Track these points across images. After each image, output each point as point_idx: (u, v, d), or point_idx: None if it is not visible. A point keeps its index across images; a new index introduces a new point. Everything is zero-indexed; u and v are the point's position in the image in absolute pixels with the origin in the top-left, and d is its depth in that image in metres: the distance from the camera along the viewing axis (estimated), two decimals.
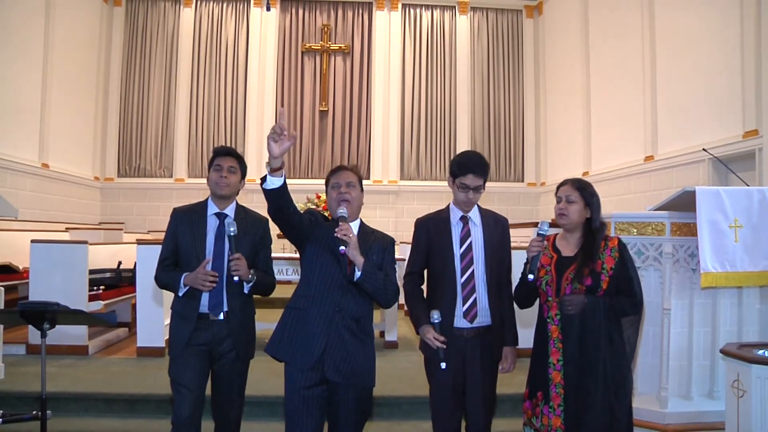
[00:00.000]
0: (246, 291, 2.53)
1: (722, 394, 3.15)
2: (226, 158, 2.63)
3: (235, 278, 2.42)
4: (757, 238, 3.20)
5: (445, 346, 2.35)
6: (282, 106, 10.95)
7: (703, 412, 3.26)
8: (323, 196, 4.71)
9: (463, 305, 2.45)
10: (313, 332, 2.26)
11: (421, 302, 2.53)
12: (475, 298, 2.45)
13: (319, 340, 2.25)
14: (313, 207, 2.32)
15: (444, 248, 2.50)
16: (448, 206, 2.60)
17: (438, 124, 11.18)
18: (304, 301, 2.33)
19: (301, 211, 2.38)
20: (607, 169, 8.64)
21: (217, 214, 2.62)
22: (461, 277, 2.47)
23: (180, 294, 2.53)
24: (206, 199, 2.68)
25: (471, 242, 2.50)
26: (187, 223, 2.61)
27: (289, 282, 4.87)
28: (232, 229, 2.43)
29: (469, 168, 2.46)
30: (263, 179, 2.14)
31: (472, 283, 2.46)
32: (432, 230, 2.56)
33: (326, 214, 2.59)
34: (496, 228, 2.56)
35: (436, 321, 2.35)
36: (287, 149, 2.12)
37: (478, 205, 2.60)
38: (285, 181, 2.17)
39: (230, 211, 2.64)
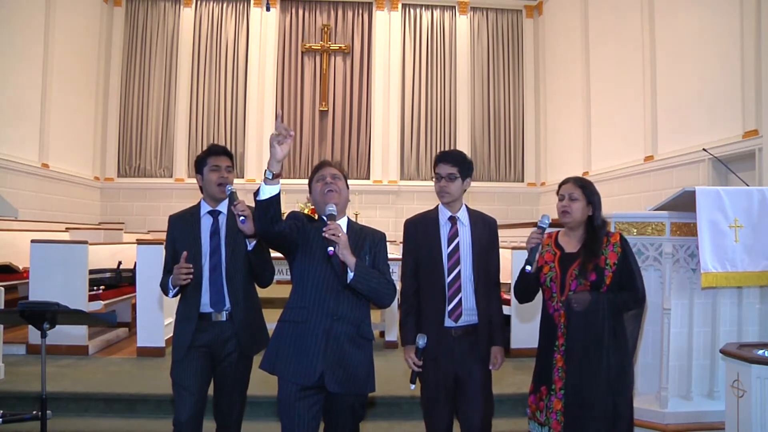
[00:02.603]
0: (250, 248, 2.46)
1: (722, 394, 3.15)
2: (222, 158, 2.61)
3: (241, 218, 2.31)
4: (757, 238, 3.20)
5: (420, 371, 2.42)
6: (282, 106, 10.95)
7: (703, 412, 3.26)
8: None
9: (449, 304, 2.46)
10: (311, 349, 2.18)
11: (413, 320, 2.52)
12: (461, 298, 2.47)
13: (318, 357, 2.17)
14: (298, 210, 2.28)
15: (432, 247, 2.52)
16: (437, 207, 2.62)
17: (438, 124, 11.18)
18: (299, 313, 2.24)
19: (291, 216, 2.34)
20: (607, 169, 8.64)
21: (211, 213, 2.62)
22: (447, 276, 2.48)
23: (170, 296, 2.53)
24: (199, 202, 2.67)
25: (458, 242, 2.51)
26: (182, 226, 2.61)
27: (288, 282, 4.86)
28: (229, 187, 2.46)
29: (439, 158, 2.56)
30: (257, 192, 2.08)
31: (458, 282, 2.47)
32: (420, 230, 2.58)
33: (308, 211, 2.56)
34: (485, 229, 2.58)
35: (421, 347, 2.39)
36: (288, 151, 2.10)
37: (466, 206, 2.62)
38: (280, 189, 2.12)
39: (223, 207, 2.62)
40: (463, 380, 2.45)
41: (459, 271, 2.48)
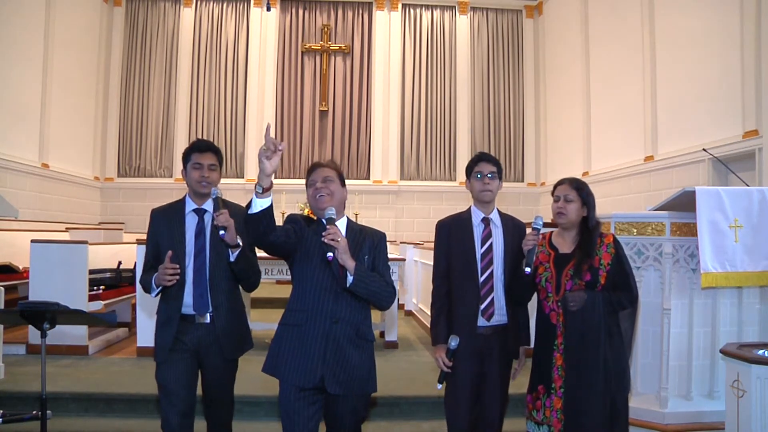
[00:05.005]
0: (232, 259, 2.38)
1: (722, 394, 3.15)
2: (206, 155, 2.53)
3: (221, 231, 2.24)
4: (757, 238, 3.20)
5: (449, 371, 2.47)
6: (282, 105, 10.97)
7: (703, 412, 3.26)
8: None
9: (481, 304, 2.51)
10: (311, 352, 2.18)
11: (445, 320, 2.56)
12: (493, 297, 2.52)
13: (319, 360, 2.17)
14: (297, 213, 2.25)
15: (465, 248, 2.57)
16: (470, 208, 2.66)
17: (438, 124, 11.18)
18: (298, 316, 2.23)
19: (288, 220, 2.31)
20: (607, 169, 8.64)
21: (196, 211, 2.54)
22: (481, 276, 2.53)
23: (153, 295, 2.47)
24: (183, 197, 2.59)
25: (492, 243, 2.57)
26: (165, 222, 2.54)
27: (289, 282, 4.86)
28: (215, 191, 2.36)
29: (480, 157, 2.64)
30: (248, 205, 2.05)
31: (491, 282, 2.53)
32: (453, 231, 2.62)
33: (307, 212, 2.54)
34: (515, 231, 2.63)
35: (453, 348, 2.43)
36: (278, 164, 2.07)
37: (497, 209, 2.66)
38: (271, 201, 2.08)
39: (209, 206, 2.53)
40: (487, 377, 2.52)
41: (492, 271, 2.54)
